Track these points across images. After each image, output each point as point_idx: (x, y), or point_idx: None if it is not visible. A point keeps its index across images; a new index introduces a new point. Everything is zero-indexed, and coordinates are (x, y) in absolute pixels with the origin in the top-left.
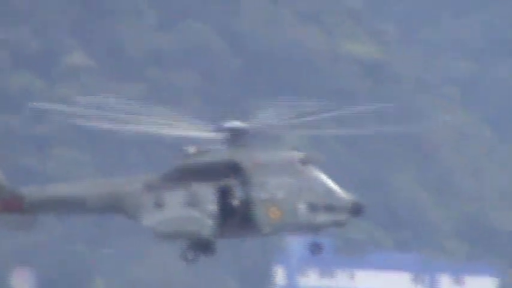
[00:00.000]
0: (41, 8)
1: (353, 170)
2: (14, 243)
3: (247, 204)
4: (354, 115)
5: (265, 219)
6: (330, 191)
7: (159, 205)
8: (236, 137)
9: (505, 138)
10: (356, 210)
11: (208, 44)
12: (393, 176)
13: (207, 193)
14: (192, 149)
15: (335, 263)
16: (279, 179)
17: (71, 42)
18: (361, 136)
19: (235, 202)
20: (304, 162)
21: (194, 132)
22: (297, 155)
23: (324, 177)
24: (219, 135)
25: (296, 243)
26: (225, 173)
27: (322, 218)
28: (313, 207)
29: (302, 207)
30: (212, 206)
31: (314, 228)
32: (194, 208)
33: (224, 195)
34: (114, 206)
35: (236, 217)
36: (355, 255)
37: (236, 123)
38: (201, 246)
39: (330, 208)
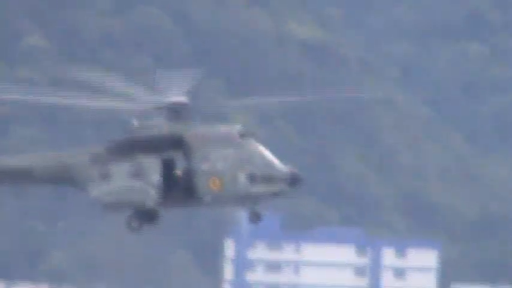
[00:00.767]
0: None
1: (300, 148)
2: None
3: (189, 175)
4: (297, 94)
5: (206, 190)
6: (268, 162)
7: (104, 176)
8: (179, 111)
9: (443, 117)
10: (294, 180)
11: (159, 26)
12: (338, 154)
13: (151, 165)
14: (136, 122)
15: (282, 236)
16: (219, 151)
17: (28, 25)
18: (308, 116)
19: (178, 173)
20: (243, 135)
21: (138, 106)
22: (236, 128)
23: (262, 150)
24: (163, 109)
25: (244, 218)
26: (168, 145)
27: (261, 188)
28: (252, 178)
29: (241, 178)
30: (156, 177)
31: (253, 198)
32: (138, 179)
33: (167, 166)
34: (61, 178)
35: (179, 187)
36: (302, 229)
37: (179, 98)
38: (145, 215)
39: (268, 179)
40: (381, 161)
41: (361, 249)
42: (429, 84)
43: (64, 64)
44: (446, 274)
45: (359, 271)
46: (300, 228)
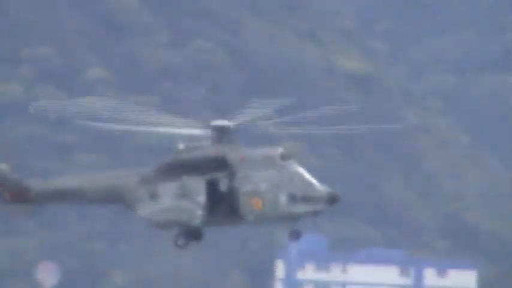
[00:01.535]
0: (63, 28)
1: (347, 174)
2: (40, 239)
3: (232, 195)
4: (346, 120)
5: (249, 209)
6: (307, 183)
7: (153, 196)
8: (223, 134)
9: (482, 144)
10: (331, 200)
11: (214, 58)
12: (383, 179)
13: (197, 185)
14: (182, 145)
15: (330, 258)
16: (261, 172)
17: (90, 57)
18: (354, 144)
19: (222, 193)
20: (284, 157)
21: (186, 130)
22: (278, 151)
23: (302, 171)
24: (208, 133)
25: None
26: (212, 166)
27: (300, 207)
28: (292, 198)
29: (282, 198)
30: (201, 197)
31: (293, 217)
32: (185, 199)
33: (212, 187)
34: (112, 198)
35: (223, 207)
36: (348, 251)
37: (223, 122)
38: (191, 233)
39: (307, 198)
40: (423, 186)
41: (404, 269)
42: (469, 113)
43: (124, 93)
44: None
45: None
46: (346, 250)
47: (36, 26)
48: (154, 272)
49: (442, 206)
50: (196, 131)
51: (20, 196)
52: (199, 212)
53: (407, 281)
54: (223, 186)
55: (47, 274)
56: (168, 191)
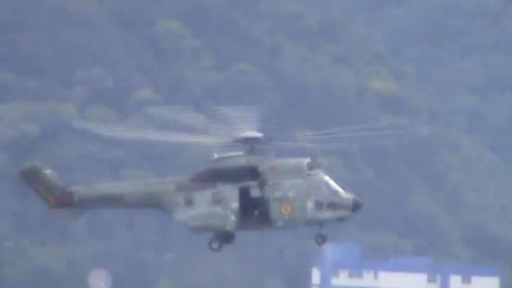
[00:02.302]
0: (114, 51)
1: (378, 187)
2: (92, 249)
3: (263, 202)
4: (375, 139)
5: (278, 215)
6: (333, 191)
7: (189, 203)
8: (254, 145)
9: (504, 160)
10: (355, 207)
11: (255, 80)
12: (412, 192)
13: (230, 192)
14: (216, 155)
15: (362, 266)
16: (290, 180)
17: (139, 79)
18: (386, 160)
19: (254, 200)
20: (311, 167)
21: (220, 141)
22: (305, 161)
23: (328, 180)
24: (240, 144)
25: (330, 249)
26: (244, 175)
27: (326, 214)
28: (319, 205)
29: (310, 205)
30: (234, 204)
31: (320, 223)
32: (219, 205)
33: (244, 194)
34: (149, 203)
35: (254, 213)
36: (379, 259)
37: (253, 133)
38: (225, 237)
39: (333, 205)
40: (449, 199)
41: (431, 276)
42: (491, 131)
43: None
44: None
45: None
46: (378, 258)
47: (89, 50)
48: (198, 279)
49: (466, 217)
50: (230, 142)
51: (65, 201)
52: (233, 218)
53: (435, 287)
54: (254, 193)
55: (99, 281)
56: (203, 197)
